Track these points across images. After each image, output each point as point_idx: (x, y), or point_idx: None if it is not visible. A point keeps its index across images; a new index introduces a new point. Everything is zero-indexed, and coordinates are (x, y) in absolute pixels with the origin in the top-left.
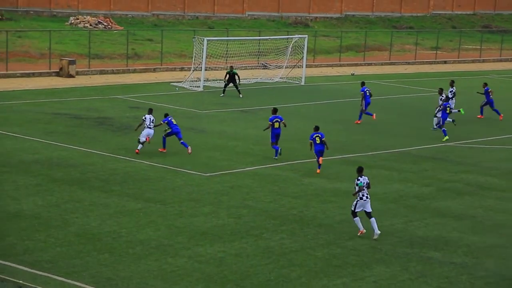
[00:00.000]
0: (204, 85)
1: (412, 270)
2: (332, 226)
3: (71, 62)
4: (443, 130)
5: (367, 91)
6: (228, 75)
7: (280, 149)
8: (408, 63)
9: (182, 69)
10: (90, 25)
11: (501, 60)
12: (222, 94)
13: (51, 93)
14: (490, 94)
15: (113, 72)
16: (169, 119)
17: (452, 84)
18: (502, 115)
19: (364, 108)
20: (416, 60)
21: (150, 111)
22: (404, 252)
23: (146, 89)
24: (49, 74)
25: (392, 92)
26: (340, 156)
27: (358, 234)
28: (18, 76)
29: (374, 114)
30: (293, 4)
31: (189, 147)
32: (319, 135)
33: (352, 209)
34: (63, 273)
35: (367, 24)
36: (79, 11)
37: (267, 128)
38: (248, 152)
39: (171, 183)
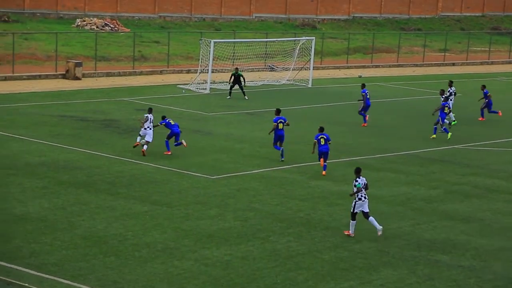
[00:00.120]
0: (210, 87)
1: (420, 273)
2: (339, 229)
3: (78, 64)
4: (444, 128)
5: (368, 93)
6: (233, 77)
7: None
8: (416, 65)
9: (188, 71)
10: (97, 27)
11: (510, 62)
12: (229, 97)
13: (57, 96)
14: (490, 96)
15: (119, 74)
16: (167, 120)
17: (450, 84)
18: (500, 111)
19: (360, 110)
20: (424, 62)
21: (150, 111)
22: (411, 255)
23: (153, 91)
24: (55, 77)
25: (400, 95)
26: (347, 159)
27: (345, 233)
28: (24, 79)
29: (367, 116)
30: (300, 6)
31: (184, 141)
32: (324, 136)
33: (351, 210)
34: (69, 276)
35: (375, 26)
36: (85, 13)
37: (272, 131)
38: (255, 154)
39: (177, 185)
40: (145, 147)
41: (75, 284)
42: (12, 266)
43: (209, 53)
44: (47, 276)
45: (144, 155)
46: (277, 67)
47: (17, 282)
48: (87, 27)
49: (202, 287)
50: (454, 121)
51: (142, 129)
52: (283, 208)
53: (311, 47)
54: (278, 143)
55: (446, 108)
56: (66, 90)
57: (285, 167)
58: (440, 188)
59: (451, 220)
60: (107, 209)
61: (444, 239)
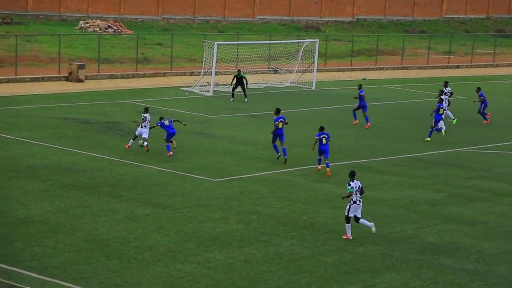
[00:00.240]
0: (214, 90)
1: (424, 277)
2: (343, 232)
3: (81, 67)
4: (431, 130)
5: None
6: (235, 79)
7: (280, 154)
8: (421, 68)
9: (192, 74)
10: (100, 29)
11: None
12: (232, 99)
13: (60, 98)
14: (482, 99)
15: (122, 77)
16: (162, 121)
17: (446, 85)
18: (483, 119)
19: (356, 109)
20: (429, 65)
21: (146, 110)
22: (415, 259)
23: (156, 94)
24: (58, 79)
25: (404, 97)
26: (351, 161)
27: (343, 237)
28: (27, 81)
29: (357, 120)
30: (304, 8)
31: (174, 142)
32: (325, 136)
33: (346, 214)
34: (72, 279)
35: (379, 28)
36: (88, 15)
37: (274, 130)
38: (258, 157)
39: (180, 188)
40: (145, 143)
41: (77, 287)
42: (14, 269)
43: (213, 55)
44: (49, 279)
45: (147, 151)
46: (281, 69)
47: (19, 285)
48: (90, 29)
49: None
50: (454, 119)
51: (139, 128)
52: (286, 211)
53: (315, 49)
54: (277, 142)
55: (441, 110)
56: (69, 92)
57: (288, 170)
58: (444, 191)
59: (455, 223)
60: (110, 212)
61: (448, 242)
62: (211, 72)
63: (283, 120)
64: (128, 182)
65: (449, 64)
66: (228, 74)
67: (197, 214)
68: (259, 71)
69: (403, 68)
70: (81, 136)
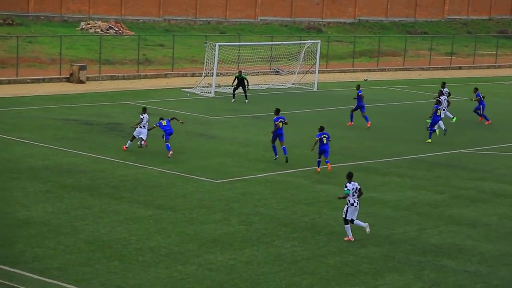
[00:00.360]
0: (215, 91)
1: (426, 279)
2: (344, 233)
3: (82, 68)
4: (430, 132)
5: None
6: (236, 80)
7: (279, 157)
8: (423, 69)
9: (193, 75)
10: (101, 30)
11: None
12: (233, 100)
13: (61, 99)
14: (481, 99)
15: (123, 78)
16: (160, 122)
17: (443, 85)
18: (485, 120)
19: (354, 109)
20: (431, 66)
21: (144, 111)
22: (417, 260)
23: (157, 95)
24: (59, 80)
25: (406, 98)
26: (353, 163)
27: (345, 238)
28: (28, 82)
29: (352, 122)
30: (306, 9)
31: (170, 152)
32: (326, 136)
33: (344, 216)
34: (73, 281)
35: (380, 29)
36: (90, 16)
37: (274, 130)
38: (260, 158)
39: (181, 189)
40: (143, 142)
41: None
42: (15, 270)
43: (214, 57)
44: (50, 280)
45: (146, 146)
46: (282, 71)
47: (20, 286)
48: (92, 30)
49: None
50: (453, 117)
51: (137, 128)
52: (288, 213)
53: (317, 51)
54: (277, 143)
55: (439, 111)
56: (70, 94)
57: (290, 171)
58: (446, 193)
59: (457, 225)
60: (111, 213)
61: (450, 244)
62: (212, 73)
63: (283, 120)
64: (130, 183)
65: (451, 66)
66: (229, 75)
67: (199, 216)
68: (260, 72)
69: (405, 69)
70: (83, 137)
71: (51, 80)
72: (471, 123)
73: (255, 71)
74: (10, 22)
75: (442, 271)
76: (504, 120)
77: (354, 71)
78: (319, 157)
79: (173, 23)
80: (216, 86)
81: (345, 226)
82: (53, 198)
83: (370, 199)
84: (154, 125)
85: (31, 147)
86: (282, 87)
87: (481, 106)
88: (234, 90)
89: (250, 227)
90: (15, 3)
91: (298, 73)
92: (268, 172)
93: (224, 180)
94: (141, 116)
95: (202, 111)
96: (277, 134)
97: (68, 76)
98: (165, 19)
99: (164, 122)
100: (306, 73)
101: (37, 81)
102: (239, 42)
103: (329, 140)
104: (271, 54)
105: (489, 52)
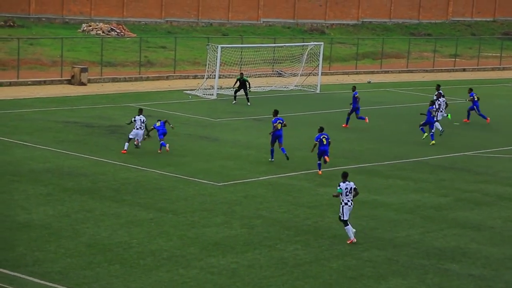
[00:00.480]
0: (217, 93)
1: (429, 283)
2: (347, 237)
3: (83, 70)
4: (431, 134)
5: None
6: (238, 82)
7: (274, 160)
8: (426, 71)
9: (195, 77)
10: (103, 32)
11: None
12: (234, 101)
13: (63, 101)
14: (475, 99)
15: (125, 80)
16: (155, 124)
17: (438, 88)
18: (488, 118)
19: (350, 112)
20: (434, 68)
21: (140, 112)
22: (421, 264)
23: (159, 97)
24: (60, 82)
25: (409, 101)
26: (356, 166)
27: (348, 242)
28: (29, 84)
29: (347, 125)
30: (309, 10)
31: (167, 145)
32: (325, 136)
33: (341, 217)
34: (74, 285)
35: (384, 31)
36: (91, 18)
37: (272, 131)
38: (262, 161)
39: (183, 192)
40: (139, 144)
41: None
42: (16, 274)
43: (216, 59)
44: (51, 284)
45: (139, 144)
46: (285, 73)
47: None
48: (93, 32)
49: None
50: (447, 115)
51: (133, 130)
52: (291, 216)
53: (320, 52)
54: (275, 146)
55: (433, 112)
56: (71, 96)
57: (292, 174)
58: (450, 196)
59: (461, 228)
60: (112, 216)
61: (454, 247)
62: (214, 75)
63: (281, 122)
64: (131, 186)
65: (455, 67)
66: (231, 78)
67: (200, 219)
68: (263, 74)
69: (408, 71)
70: (84, 140)
71: (52, 82)
72: (474, 126)
73: (257, 73)
74: (11, 24)
75: (446, 274)
76: (509, 122)
77: (357, 73)
78: (319, 159)
79: (175, 25)
80: (218, 88)
81: (345, 228)
82: (54, 201)
83: (373, 202)
84: (153, 127)
85: (32, 150)
86: (285, 89)
87: (475, 106)
88: (235, 92)
89: (252, 230)
90: (16, 5)
91: (301, 75)
92: (270, 174)
93: (226, 183)
94: (133, 118)
95: (204, 113)
96: (277, 135)
97: (69, 78)
98: (167, 21)
99: (158, 123)
100: (309, 75)
101: (38, 83)
102: (242, 44)
103: (329, 141)
104: (274, 56)
105: (494, 54)
